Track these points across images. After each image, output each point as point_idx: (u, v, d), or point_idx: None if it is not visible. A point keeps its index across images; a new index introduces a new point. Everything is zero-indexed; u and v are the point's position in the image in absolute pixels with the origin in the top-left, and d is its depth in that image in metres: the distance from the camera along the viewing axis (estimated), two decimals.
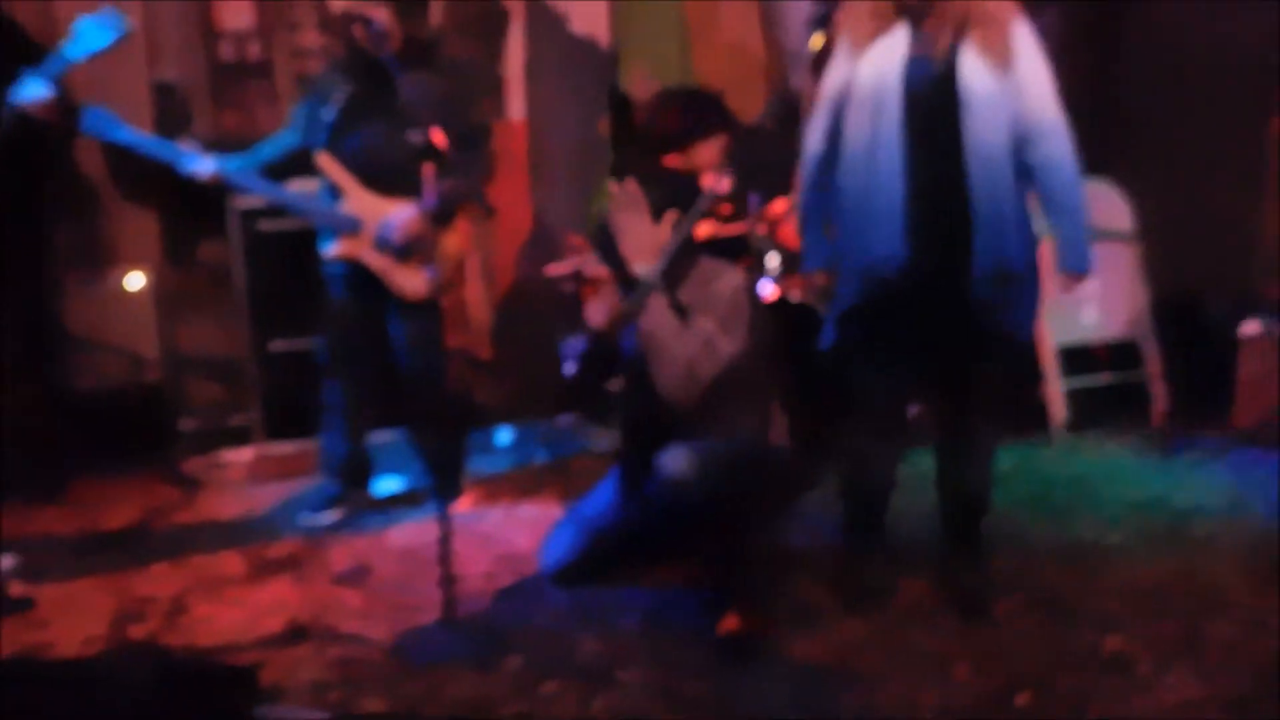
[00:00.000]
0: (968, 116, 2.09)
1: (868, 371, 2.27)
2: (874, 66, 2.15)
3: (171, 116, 3.80)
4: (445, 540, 2.20)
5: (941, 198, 2.12)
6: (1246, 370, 3.41)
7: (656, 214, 2.25)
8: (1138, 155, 4.19)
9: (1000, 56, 2.10)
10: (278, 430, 3.65)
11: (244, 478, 3.45)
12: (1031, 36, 2.16)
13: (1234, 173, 4.16)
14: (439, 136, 2.73)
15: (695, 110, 3.22)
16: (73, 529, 2.98)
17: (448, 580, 2.20)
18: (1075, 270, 2.23)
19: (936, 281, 2.15)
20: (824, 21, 2.10)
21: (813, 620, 2.27)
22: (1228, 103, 4.25)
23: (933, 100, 2.11)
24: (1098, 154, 4.23)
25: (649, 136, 3.20)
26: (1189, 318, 3.79)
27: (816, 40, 2.20)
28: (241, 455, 3.61)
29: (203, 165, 2.84)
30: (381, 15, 2.84)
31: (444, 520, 2.21)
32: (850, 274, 2.22)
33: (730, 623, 2.13)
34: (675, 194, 2.28)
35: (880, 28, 2.17)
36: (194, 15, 3.86)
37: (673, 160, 3.09)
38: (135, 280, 3.61)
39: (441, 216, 2.92)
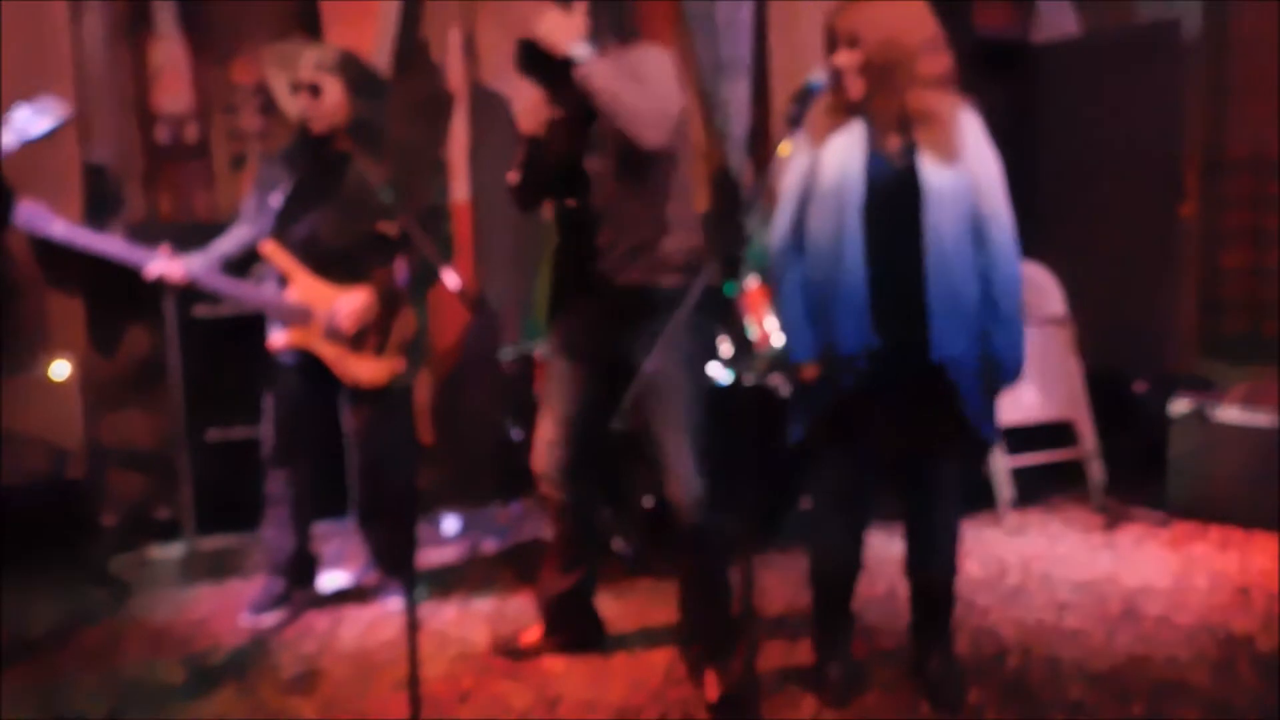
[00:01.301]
0: (927, 209, 2.15)
1: (837, 458, 2.29)
2: (834, 162, 2.20)
3: (102, 199, 3.67)
4: (413, 635, 2.09)
5: (904, 288, 2.16)
6: (1179, 446, 3.54)
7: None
8: (1066, 241, 4.38)
9: (949, 150, 2.17)
10: (209, 524, 3.49)
11: (175, 576, 3.26)
12: (980, 129, 2.23)
13: (1151, 257, 4.39)
14: (390, 222, 2.69)
15: None
16: None
17: (414, 682, 2.09)
18: (1007, 382, 2.25)
19: (904, 369, 2.18)
20: (796, 123, 2.13)
21: (788, 710, 2.23)
22: (1142, 191, 4.50)
23: (894, 194, 2.17)
24: (1030, 239, 4.47)
25: None
26: (1121, 397, 3.94)
27: (784, 147, 2.24)
28: (171, 551, 3.43)
29: (170, 267, 2.75)
30: (332, 87, 2.81)
31: (411, 613, 2.10)
32: (828, 365, 2.22)
33: (734, 674, 2.26)
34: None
35: (836, 124, 2.23)
36: (130, 98, 3.77)
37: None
38: (60, 369, 3.44)
39: (395, 302, 2.87)
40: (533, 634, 2.61)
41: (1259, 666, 2.40)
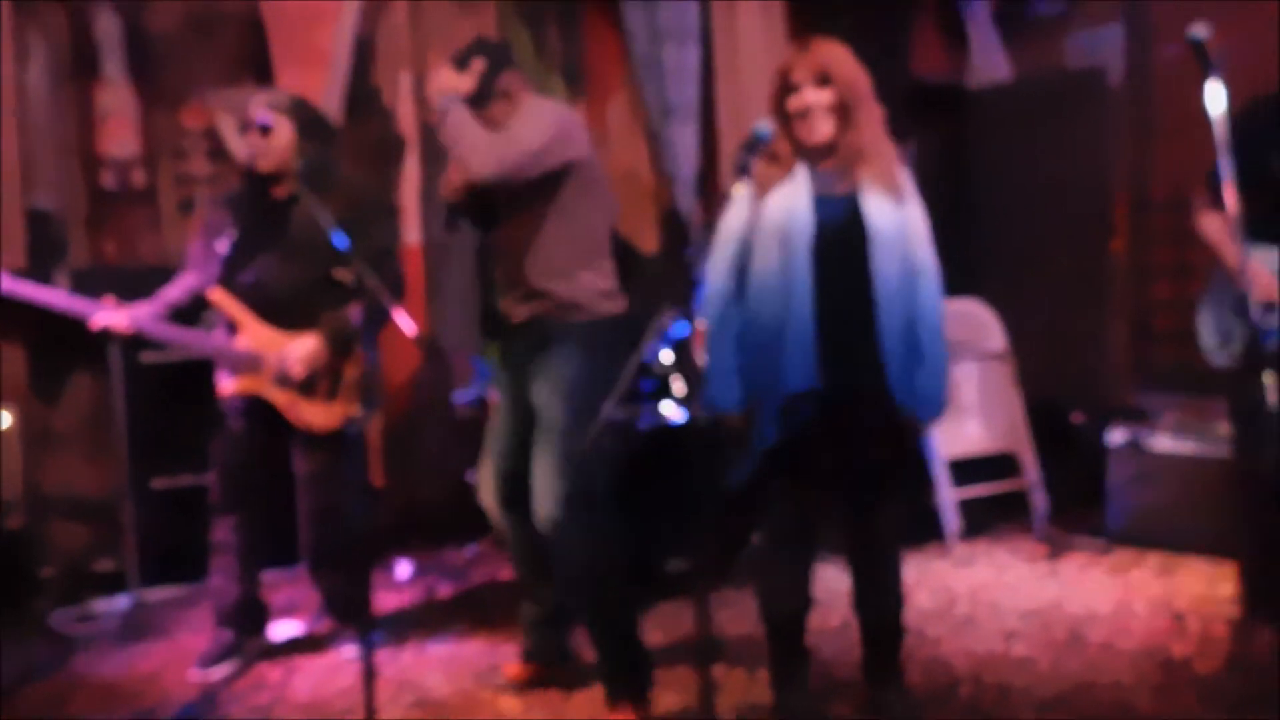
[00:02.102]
0: (874, 249, 2.20)
1: (783, 497, 2.32)
2: (781, 205, 2.23)
3: (46, 244, 3.62)
4: (369, 683, 2.08)
5: (850, 326, 2.20)
6: (1117, 475, 3.65)
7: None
8: (1003, 278, 4.52)
9: (895, 191, 2.24)
10: (155, 575, 3.42)
11: (119, 629, 3.19)
12: (909, 173, 2.30)
13: (1085, 292, 4.55)
14: (340, 265, 2.69)
15: None
16: None
17: None
18: (928, 420, 2.29)
19: (850, 408, 2.22)
20: (745, 170, 2.19)
21: None
22: (1074, 228, 4.67)
23: (841, 235, 2.21)
24: (964, 275, 4.61)
25: None
26: (1060, 428, 4.06)
27: (739, 188, 2.28)
28: (115, 604, 3.35)
29: (116, 318, 2.73)
30: (283, 127, 2.82)
31: (367, 660, 2.09)
32: (766, 409, 2.23)
33: (624, 712, 2.32)
34: None
35: (784, 171, 2.28)
36: (75, 143, 3.73)
37: None
38: (1, 419, 3.37)
39: (346, 346, 2.86)
40: (514, 667, 2.65)
41: (1198, 688, 2.47)
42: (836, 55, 2.25)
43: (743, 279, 2.28)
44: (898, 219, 2.23)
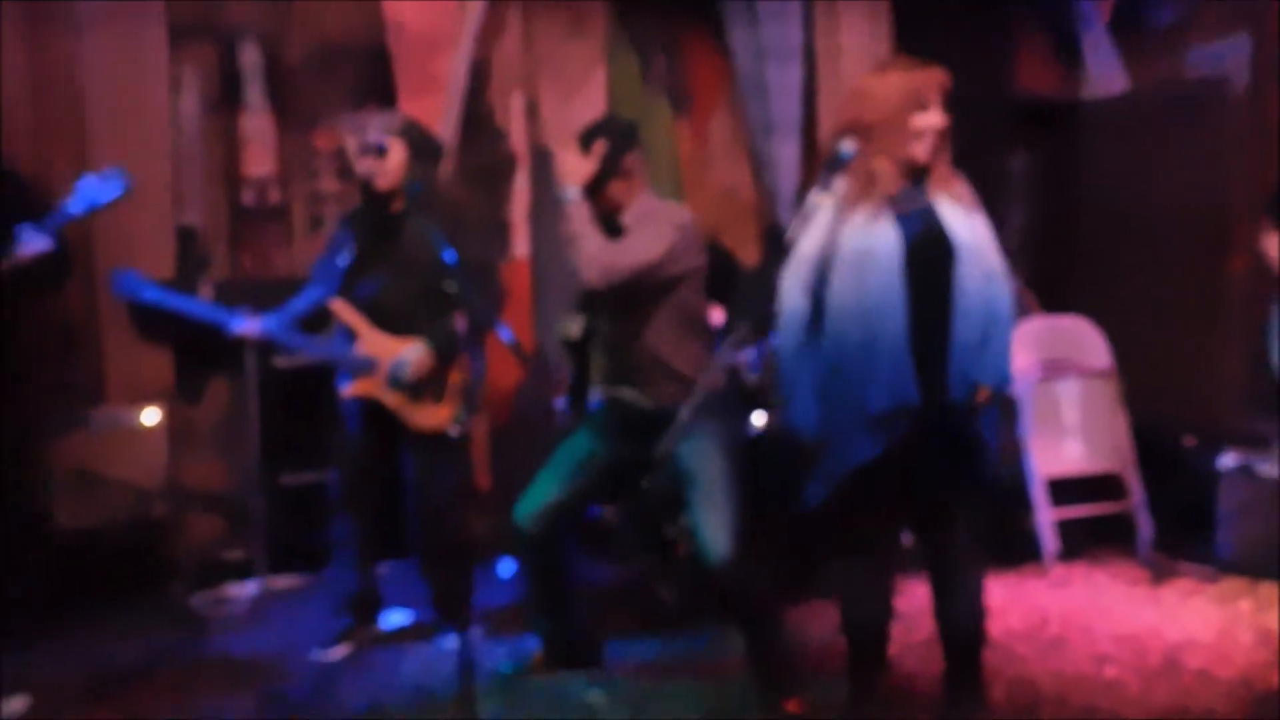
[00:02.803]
0: (958, 260, 2.24)
1: (865, 513, 2.35)
2: (863, 225, 2.26)
3: (191, 259, 3.96)
4: (466, 671, 2.24)
5: (936, 340, 2.24)
6: (1227, 502, 3.54)
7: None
8: (1107, 294, 4.42)
9: (966, 203, 2.28)
10: (281, 564, 3.69)
11: (248, 612, 3.46)
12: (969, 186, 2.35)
13: (1200, 311, 4.40)
14: (447, 277, 2.88)
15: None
16: (80, 668, 2.98)
17: (468, 713, 2.23)
18: (988, 384, 2.27)
19: (938, 422, 2.25)
20: (826, 188, 2.26)
21: None
22: (1190, 244, 4.52)
23: (926, 250, 2.25)
24: (1072, 291, 4.52)
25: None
26: (1168, 450, 3.94)
27: (819, 207, 2.33)
28: (245, 589, 3.64)
29: (250, 326, 3.00)
30: (396, 148, 3.02)
31: (465, 651, 2.25)
32: (852, 428, 2.25)
33: (794, 705, 2.47)
34: None
35: (881, 190, 2.26)
36: (219, 162, 4.07)
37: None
38: (151, 416, 3.69)
39: (451, 353, 3.05)
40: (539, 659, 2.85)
41: None
42: (943, 80, 2.30)
43: (818, 300, 2.30)
44: (972, 227, 2.27)
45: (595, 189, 2.60)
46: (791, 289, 2.33)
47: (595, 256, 2.51)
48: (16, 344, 3.09)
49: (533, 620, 2.88)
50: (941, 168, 2.29)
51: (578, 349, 2.76)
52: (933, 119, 2.26)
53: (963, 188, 2.29)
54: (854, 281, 2.27)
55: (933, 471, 2.30)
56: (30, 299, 3.09)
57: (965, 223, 2.26)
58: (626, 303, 2.59)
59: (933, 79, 2.28)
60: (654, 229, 2.58)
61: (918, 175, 2.29)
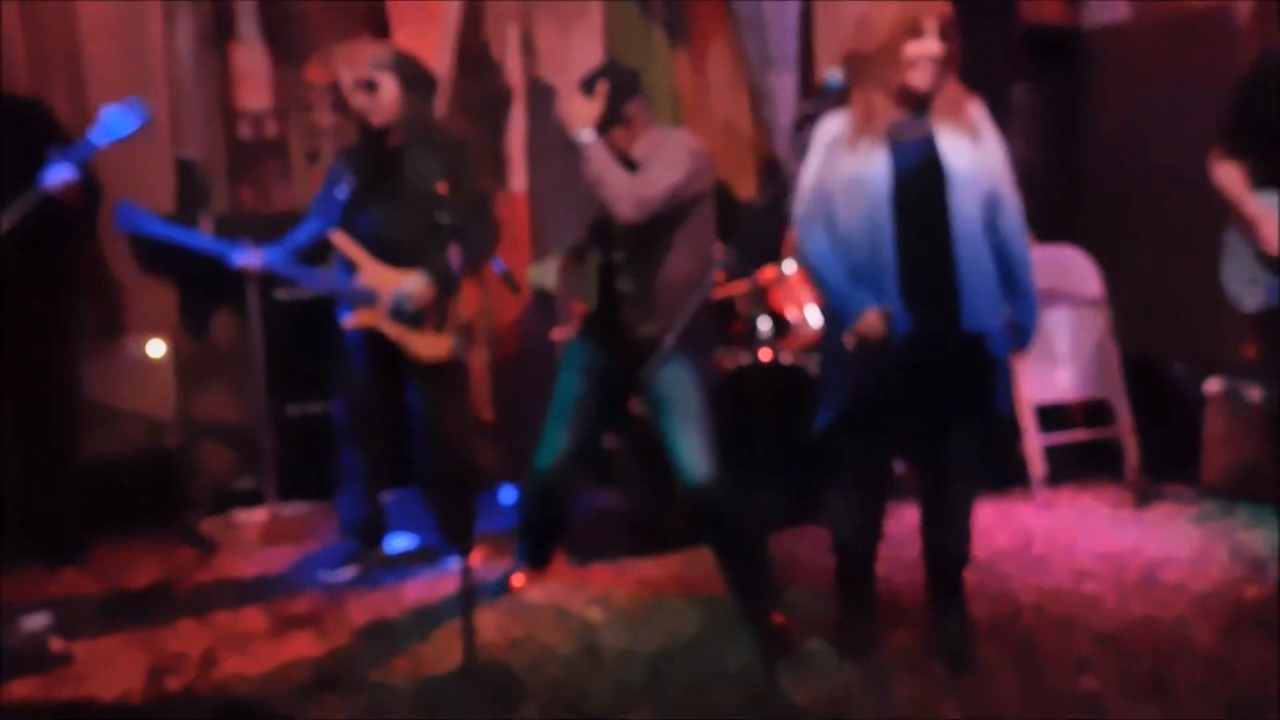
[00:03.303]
0: (951, 190, 2.26)
1: (861, 438, 2.42)
2: (858, 154, 2.30)
3: (191, 192, 3.99)
4: (468, 592, 2.34)
5: (932, 267, 2.27)
6: (1212, 426, 3.61)
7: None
8: (1105, 223, 4.44)
9: (971, 130, 2.29)
10: (289, 492, 3.79)
11: (258, 538, 3.58)
12: (985, 112, 2.34)
13: (1195, 244, 4.40)
14: (443, 209, 2.92)
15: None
16: (98, 589, 3.09)
17: (469, 630, 2.34)
18: (1021, 348, 2.37)
19: (931, 347, 2.29)
20: (813, 120, 2.30)
21: (808, 667, 2.42)
22: (1191, 177, 4.51)
23: (919, 177, 2.27)
24: (1069, 221, 4.54)
25: None
26: (1157, 377, 4.01)
27: (819, 135, 2.36)
28: (255, 516, 3.74)
29: (251, 259, 3.06)
30: (387, 83, 3.04)
31: (466, 573, 2.36)
32: (851, 354, 2.30)
33: (779, 618, 2.56)
34: None
35: (881, 118, 2.28)
36: (215, 96, 4.08)
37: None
38: (156, 348, 3.77)
39: (450, 284, 3.11)
40: (520, 578, 2.98)
41: (1264, 630, 2.50)
42: (951, 9, 2.29)
43: (829, 225, 2.35)
44: (975, 156, 2.27)
45: (599, 135, 2.63)
46: (804, 216, 2.37)
47: (626, 191, 2.55)
48: (46, 278, 3.16)
49: (520, 543, 3.00)
50: (946, 96, 2.28)
51: (604, 280, 2.76)
52: (928, 47, 2.24)
53: (972, 115, 2.29)
54: (847, 209, 2.32)
55: (941, 400, 2.33)
56: (62, 231, 3.15)
57: (967, 151, 2.26)
58: (645, 233, 2.62)
59: (930, 7, 2.27)
60: (670, 154, 2.61)
61: (919, 104, 2.29)
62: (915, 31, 2.25)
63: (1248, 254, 2.63)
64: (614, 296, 2.74)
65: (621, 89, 2.66)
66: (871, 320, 2.25)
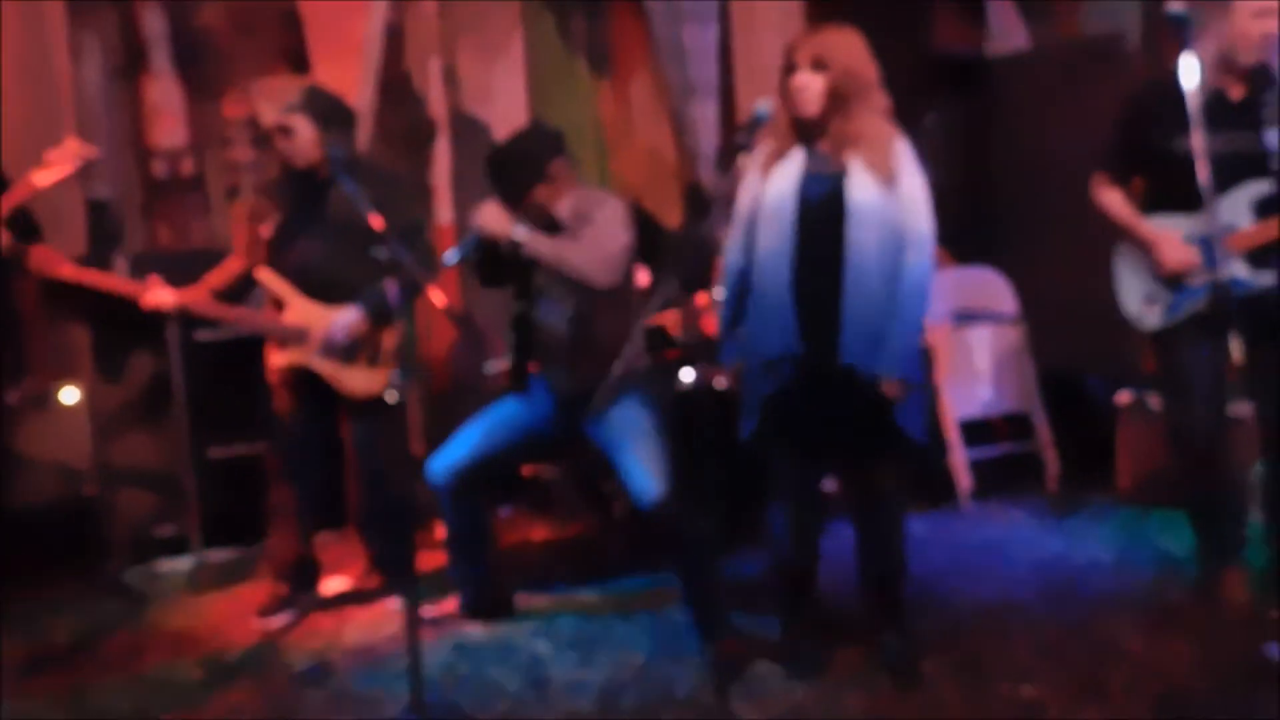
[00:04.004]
0: (851, 226, 2.34)
1: (781, 454, 2.51)
2: (777, 184, 2.41)
3: (105, 232, 3.87)
4: (413, 630, 2.30)
5: (822, 299, 2.36)
6: (1124, 436, 3.77)
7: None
8: (1018, 244, 4.62)
9: (885, 172, 2.36)
10: (214, 538, 3.68)
11: (186, 587, 3.45)
12: (911, 155, 2.42)
13: (1102, 260, 4.61)
14: (375, 243, 2.89)
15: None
16: (17, 646, 2.95)
17: (415, 669, 2.30)
18: (888, 375, 2.35)
19: (825, 371, 2.37)
20: (745, 148, 2.37)
21: (758, 688, 2.44)
22: (1089, 196, 4.73)
23: (823, 212, 2.36)
24: (983, 243, 4.71)
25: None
26: (1071, 390, 4.18)
27: (747, 164, 2.47)
28: (179, 564, 3.62)
29: (164, 297, 2.97)
30: (302, 126, 3.00)
31: (411, 611, 2.32)
32: (757, 368, 2.44)
33: (730, 645, 2.56)
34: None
35: (782, 150, 2.43)
36: (127, 134, 3.97)
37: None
38: (69, 394, 3.63)
39: (384, 317, 3.07)
40: (447, 606, 2.98)
41: (1187, 632, 2.61)
42: (838, 43, 2.39)
43: (753, 252, 2.45)
44: (882, 198, 2.34)
45: (522, 198, 2.69)
46: (732, 245, 2.50)
47: (589, 259, 2.63)
48: None
49: (449, 568, 2.99)
50: (865, 134, 2.36)
51: (520, 329, 2.82)
52: (797, 80, 2.36)
53: (890, 155, 2.35)
54: (760, 235, 2.44)
55: (840, 421, 2.41)
56: None
57: (875, 190, 2.33)
58: (574, 286, 2.68)
59: (807, 44, 2.39)
60: (610, 213, 2.70)
61: (813, 134, 2.39)
62: (791, 65, 2.39)
63: (1144, 274, 2.76)
64: (541, 347, 2.78)
65: (545, 149, 2.74)
66: (727, 374, 2.54)
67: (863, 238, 2.34)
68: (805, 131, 2.41)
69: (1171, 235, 2.68)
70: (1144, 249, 2.74)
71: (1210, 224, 2.45)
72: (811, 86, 2.36)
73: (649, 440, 2.68)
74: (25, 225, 2.94)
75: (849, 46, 2.39)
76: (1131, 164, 2.79)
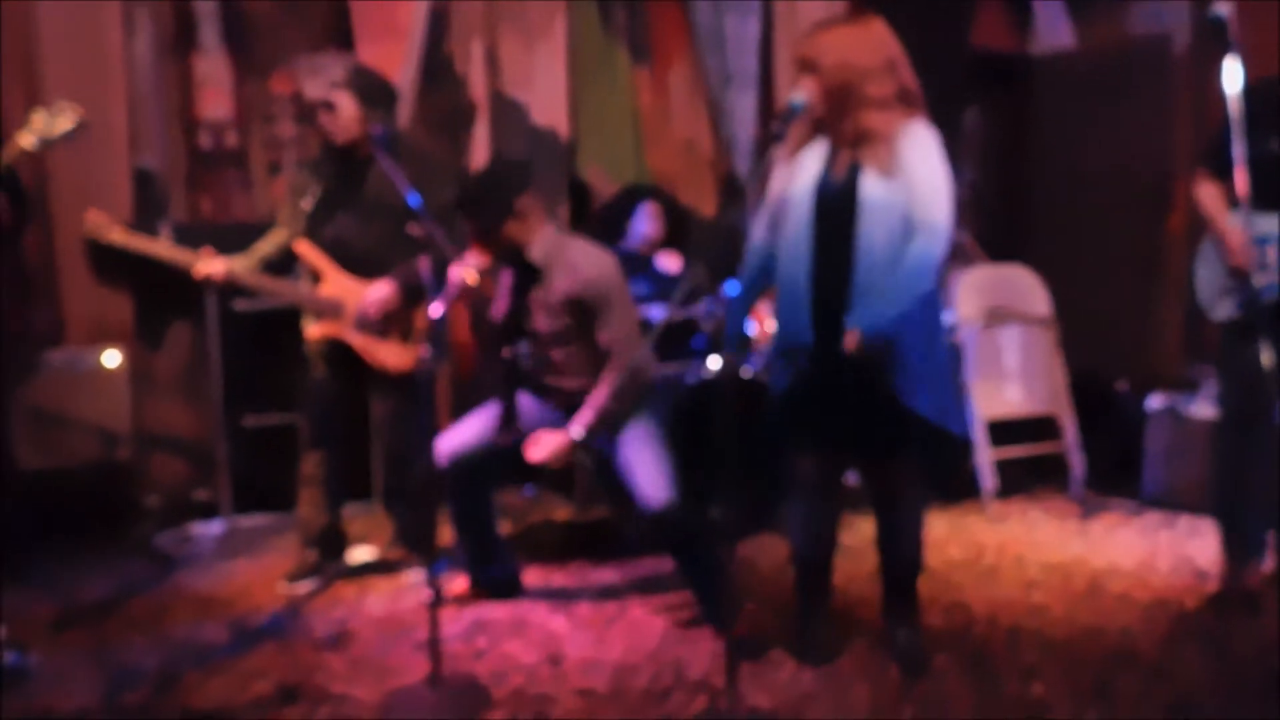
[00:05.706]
0: (862, 221, 2.36)
1: (803, 445, 2.53)
2: (801, 177, 2.45)
3: (149, 201, 3.96)
4: (435, 602, 2.35)
5: (834, 291, 2.38)
6: (1154, 442, 3.75)
7: None
8: (1053, 246, 4.59)
9: (888, 167, 2.35)
10: (245, 504, 3.76)
11: (215, 551, 3.54)
12: (927, 143, 2.37)
13: (1140, 265, 4.58)
14: (411, 219, 2.94)
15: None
16: (49, 604, 3.04)
17: (434, 641, 2.35)
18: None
19: (840, 363, 2.36)
20: (780, 139, 2.39)
21: (769, 671, 2.47)
22: (1131, 199, 4.69)
23: (837, 206, 2.39)
24: (1018, 242, 4.67)
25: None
26: (1100, 394, 4.15)
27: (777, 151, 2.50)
28: (210, 529, 3.71)
29: (215, 268, 3.03)
30: (345, 103, 3.05)
31: (433, 583, 2.37)
32: (780, 359, 2.48)
33: (742, 631, 2.51)
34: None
35: (807, 142, 2.47)
36: (175, 105, 4.05)
37: None
38: (111, 358, 3.72)
39: (418, 294, 3.12)
40: (459, 586, 3.01)
41: (1203, 640, 2.60)
42: (824, 43, 2.38)
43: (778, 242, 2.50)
44: (891, 192, 2.34)
45: (491, 234, 2.72)
46: (755, 226, 2.55)
47: (630, 382, 2.69)
48: None
49: (456, 547, 3.04)
50: (849, 125, 2.37)
51: (509, 375, 2.91)
52: (805, 83, 2.38)
53: (898, 149, 2.34)
54: (784, 228, 2.48)
55: (857, 412, 2.42)
56: None
57: (884, 184, 2.34)
58: (570, 337, 2.76)
59: (802, 48, 2.42)
60: (619, 296, 2.74)
61: (824, 129, 2.42)
62: (800, 66, 2.41)
63: (1220, 267, 2.78)
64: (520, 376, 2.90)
65: (513, 184, 2.76)
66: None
67: (873, 232, 2.36)
68: (820, 128, 2.44)
69: (1242, 232, 2.69)
70: (1219, 242, 2.77)
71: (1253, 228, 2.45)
72: (807, 90, 2.38)
73: (654, 447, 2.71)
74: (14, 188, 2.98)
75: (839, 43, 2.37)
76: (1230, 161, 2.74)
